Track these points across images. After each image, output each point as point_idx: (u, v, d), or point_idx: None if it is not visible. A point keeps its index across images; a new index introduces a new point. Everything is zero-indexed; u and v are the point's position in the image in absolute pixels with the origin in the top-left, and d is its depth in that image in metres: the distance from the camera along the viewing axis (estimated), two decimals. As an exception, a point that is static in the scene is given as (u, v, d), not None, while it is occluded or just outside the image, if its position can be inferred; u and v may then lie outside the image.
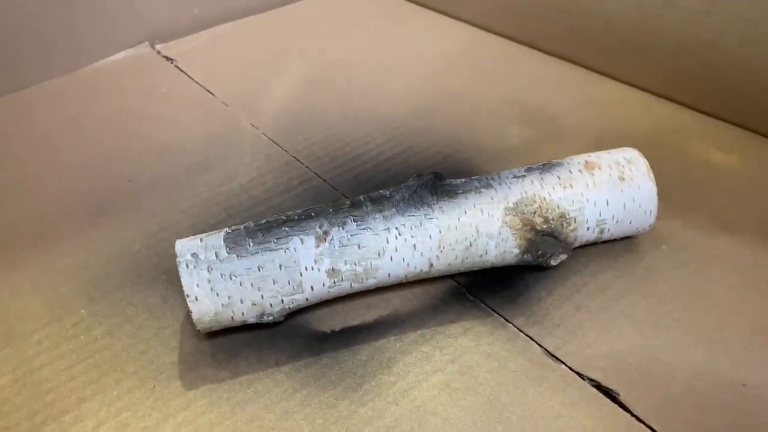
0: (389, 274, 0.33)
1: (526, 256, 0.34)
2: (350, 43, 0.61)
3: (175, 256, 0.32)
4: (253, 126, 0.50)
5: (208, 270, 0.31)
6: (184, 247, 0.32)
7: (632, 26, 0.48)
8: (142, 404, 0.31)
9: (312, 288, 0.32)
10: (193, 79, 0.56)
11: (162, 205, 0.43)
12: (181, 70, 0.58)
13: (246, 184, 0.44)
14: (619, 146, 0.37)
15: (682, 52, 0.46)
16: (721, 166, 0.42)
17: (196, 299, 0.31)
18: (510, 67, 0.55)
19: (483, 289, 0.35)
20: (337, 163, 0.46)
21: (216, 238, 0.32)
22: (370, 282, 0.33)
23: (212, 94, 0.54)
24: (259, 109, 0.52)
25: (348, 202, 0.33)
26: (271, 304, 0.32)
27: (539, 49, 0.57)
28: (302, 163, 0.46)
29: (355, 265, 0.32)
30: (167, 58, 0.60)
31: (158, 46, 0.63)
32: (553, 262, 0.34)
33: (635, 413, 0.29)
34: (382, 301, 0.35)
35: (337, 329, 0.34)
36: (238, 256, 0.31)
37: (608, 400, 0.29)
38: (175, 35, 0.64)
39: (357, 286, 0.33)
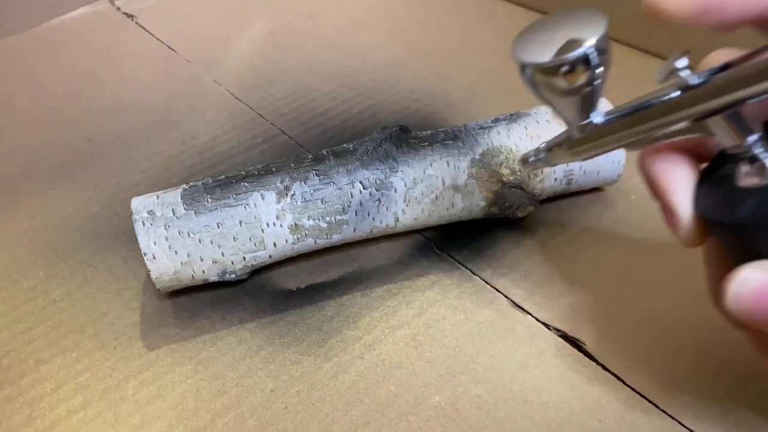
0: (354, 229, 0.32)
1: (493, 208, 0.33)
2: (317, -3, 0.59)
3: (132, 214, 0.31)
4: (216, 83, 0.49)
5: (165, 227, 0.30)
6: (140, 204, 0.31)
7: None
8: (102, 365, 0.30)
9: (275, 244, 0.31)
10: (154, 36, 0.54)
11: (122, 164, 0.42)
12: (142, 27, 0.56)
13: (209, 142, 0.43)
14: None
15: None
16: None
17: (154, 257, 0.30)
18: (481, 19, 0.54)
19: (450, 243, 0.35)
20: (303, 120, 0.44)
21: (173, 195, 0.31)
22: (335, 238, 0.32)
23: (174, 50, 0.53)
24: (222, 66, 0.50)
25: (310, 156, 0.32)
26: (232, 262, 0.31)
27: (511, 1, 0.56)
28: (267, 120, 0.44)
29: (319, 220, 0.31)
30: (128, 15, 0.58)
31: (118, 2, 0.60)
32: (520, 214, 0.34)
33: (601, 362, 0.29)
34: (348, 258, 0.34)
35: (302, 286, 0.33)
36: (195, 213, 0.30)
37: (574, 350, 0.29)
38: (135, -9, 0.62)
39: (321, 242, 0.32)
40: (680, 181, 0.22)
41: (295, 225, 0.31)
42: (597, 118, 0.23)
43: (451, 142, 0.33)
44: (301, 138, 0.43)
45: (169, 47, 0.53)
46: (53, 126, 0.45)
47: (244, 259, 0.31)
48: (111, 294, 0.34)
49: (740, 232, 0.20)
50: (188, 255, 0.30)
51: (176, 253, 0.30)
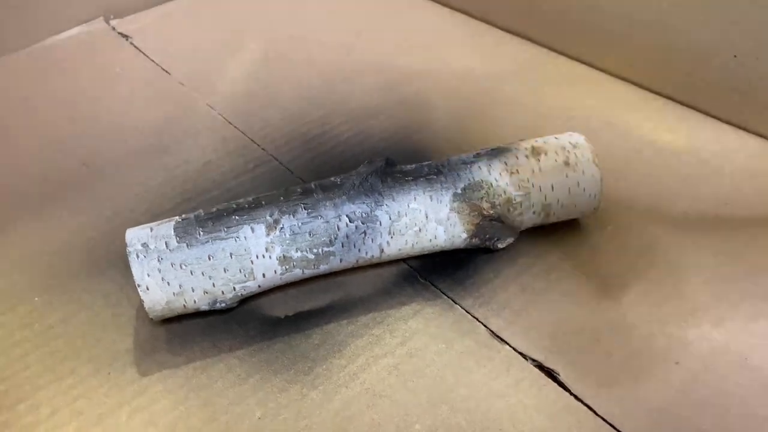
0: (341, 260, 0.33)
1: (474, 240, 0.35)
2: (309, 19, 0.61)
3: (126, 245, 0.32)
4: (209, 107, 0.50)
5: (158, 260, 0.31)
6: (134, 236, 0.32)
7: (587, 4, 0.49)
8: (97, 391, 0.31)
9: (264, 275, 0.33)
10: (149, 57, 0.56)
11: (117, 189, 0.43)
12: (137, 48, 0.57)
13: (202, 168, 0.44)
14: (571, 125, 0.37)
15: (634, 32, 0.47)
16: (669, 147, 0.43)
17: (147, 289, 0.31)
18: (468, 44, 0.55)
19: (434, 272, 0.36)
20: (293, 146, 0.46)
21: (166, 228, 0.32)
22: (322, 268, 0.34)
23: (168, 73, 0.54)
24: (215, 90, 0.52)
25: (299, 190, 0.34)
26: (222, 292, 0.32)
27: (498, 27, 0.57)
28: (258, 146, 0.46)
29: (307, 252, 0.33)
30: (122, 35, 0.59)
31: (113, 22, 0.61)
32: (500, 245, 0.35)
33: (573, 392, 0.30)
34: (335, 286, 0.36)
35: (290, 314, 0.35)
36: (188, 245, 0.31)
37: (549, 380, 0.31)
38: (130, 10, 0.63)
39: (309, 273, 0.34)
40: None
41: (284, 257, 0.32)
42: None
43: (435, 176, 0.34)
44: (292, 164, 0.44)
45: (164, 69, 0.54)
46: (49, 149, 0.46)
47: (234, 289, 0.32)
48: (106, 320, 0.35)
49: None
50: (180, 286, 0.31)
51: (169, 284, 0.31)
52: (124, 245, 0.32)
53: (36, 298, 0.36)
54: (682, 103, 0.47)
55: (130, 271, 0.31)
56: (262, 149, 0.45)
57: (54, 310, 0.35)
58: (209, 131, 0.47)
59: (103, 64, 0.55)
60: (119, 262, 0.38)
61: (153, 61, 0.55)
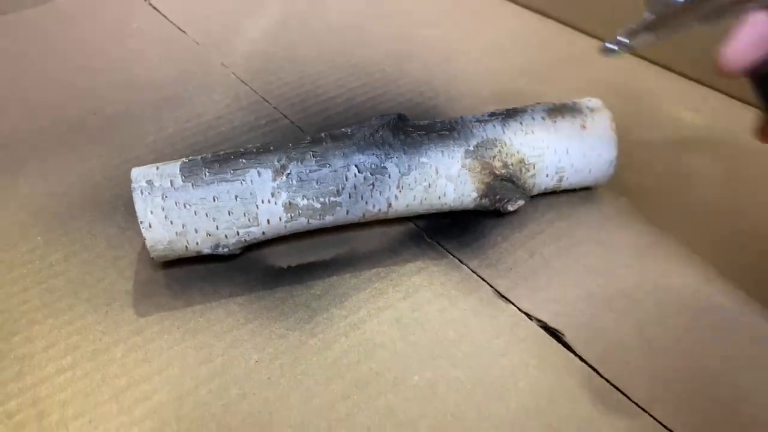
0: (347, 212, 0.33)
1: (483, 200, 0.34)
2: (329, -12, 0.60)
3: (131, 184, 0.32)
4: (223, 65, 0.49)
5: (162, 197, 0.31)
6: (139, 174, 0.32)
7: (611, -19, 0.48)
8: (93, 328, 0.31)
9: (268, 221, 0.32)
10: (166, 17, 0.55)
11: (126, 138, 0.42)
12: (155, 8, 0.57)
13: (212, 122, 0.44)
14: (592, 97, 0.37)
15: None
16: (688, 124, 0.42)
17: (150, 226, 0.31)
18: (489, 18, 0.55)
19: (441, 233, 0.35)
20: (306, 105, 0.45)
21: (172, 167, 0.32)
22: (328, 219, 0.33)
23: (184, 32, 0.53)
24: (231, 49, 0.51)
25: (308, 138, 0.33)
26: (226, 236, 0.32)
27: (517, 3, 0.56)
28: (270, 104, 0.45)
29: (313, 200, 0.32)
30: (141, -5, 0.59)
31: (133, -18, 0.61)
32: (510, 208, 0.35)
33: (578, 353, 0.29)
34: (341, 240, 0.35)
35: (293, 265, 0.34)
36: (193, 185, 0.31)
37: (554, 341, 0.30)
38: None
39: (315, 223, 0.33)
40: (756, 28, 0.24)
41: (290, 203, 0.32)
42: None
43: (447, 132, 0.33)
44: (303, 122, 0.43)
45: (180, 29, 0.54)
46: (62, 97, 0.46)
47: (238, 233, 0.32)
48: (107, 261, 0.34)
49: None
50: (183, 226, 0.31)
51: (172, 223, 0.31)
52: (130, 191, 0.31)
53: (39, 238, 0.36)
54: (702, 83, 0.46)
55: (134, 216, 0.31)
56: (274, 107, 0.45)
57: (55, 250, 0.35)
58: (223, 88, 0.47)
59: (121, 20, 0.55)
60: (123, 207, 0.37)
61: (170, 20, 0.55)
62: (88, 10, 0.57)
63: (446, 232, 0.35)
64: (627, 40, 0.29)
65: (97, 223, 0.37)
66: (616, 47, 0.29)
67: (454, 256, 0.34)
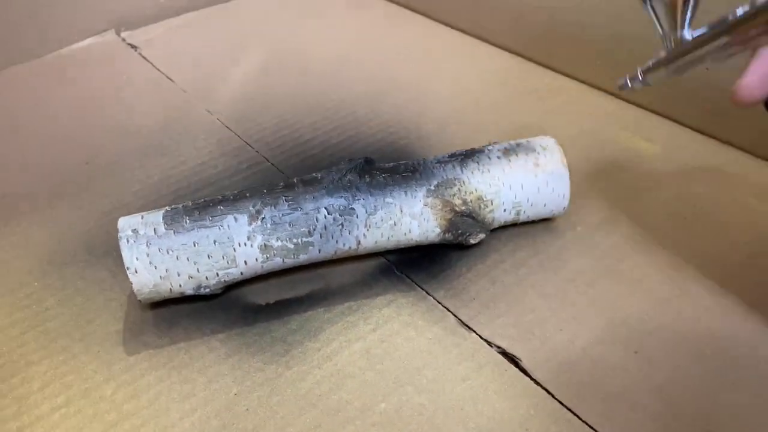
0: (319, 251, 0.35)
1: (447, 235, 0.37)
2: (308, 32, 0.63)
3: (119, 232, 0.35)
4: (208, 111, 0.52)
5: (146, 245, 0.33)
6: (126, 223, 0.34)
7: (572, 19, 0.51)
8: (86, 367, 0.33)
9: (245, 263, 0.35)
10: (155, 66, 0.58)
11: (116, 186, 0.45)
12: (144, 58, 0.60)
13: (196, 167, 0.47)
14: (548, 132, 0.39)
15: (616, 45, 0.49)
16: (644, 155, 0.45)
17: (136, 271, 0.33)
18: (458, 58, 0.58)
19: (410, 266, 0.38)
20: (285, 148, 0.48)
21: (155, 216, 0.34)
22: (302, 258, 0.35)
23: (172, 80, 0.57)
24: (215, 96, 0.54)
25: (282, 184, 0.36)
26: (207, 277, 0.34)
27: (487, 41, 0.60)
28: (252, 148, 0.48)
29: (287, 241, 0.35)
30: (131, 46, 0.62)
31: (124, 34, 0.64)
32: (472, 241, 0.37)
33: (534, 377, 0.32)
34: (315, 277, 0.38)
35: (271, 302, 0.37)
36: (175, 232, 0.34)
37: (512, 366, 0.32)
38: (140, 23, 0.66)
39: (289, 262, 0.35)
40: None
41: (265, 245, 0.34)
42: (688, 33, 0.29)
43: (410, 174, 0.36)
44: (283, 165, 0.46)
45: (168, 77, 0.57)
46: (56, 149, 0.49)
47: (218, 275, 0.34)
48: (99, 304, 0.37)
49: None
50: (167, 270, 0.34)
51: (156, 268, 0.33)
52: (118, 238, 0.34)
53: (35, 283, 0.38)
54: (658, 114, 0.49)
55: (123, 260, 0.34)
56: (256, 151, 0.48)
57: (51, 294, 0.38)
58: (206, 134, 0.50)
59: (112, 72, 0.58)
60: (113, 252, 0.40)
61: (158, 69, 0.58)
62: (81, 62, 0.60)
63: (415, 264, 0.38)
64: (642, 77, 0.32)
65: (90, 268, 0.39)
66: (631, 84, 0.33)
67: (421, 288, 0.37)
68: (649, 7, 0.30)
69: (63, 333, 0.35)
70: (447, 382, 0.32)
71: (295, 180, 0.36)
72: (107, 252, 0.40)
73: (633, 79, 0.33)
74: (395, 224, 0.36)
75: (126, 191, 0.45)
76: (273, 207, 0.35)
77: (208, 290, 0.35)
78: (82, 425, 0.31)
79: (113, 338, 0.35)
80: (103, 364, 0.34)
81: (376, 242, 0.36)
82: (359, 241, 0.36)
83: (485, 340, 0.34)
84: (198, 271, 0.34)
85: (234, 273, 0.35)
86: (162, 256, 0.33)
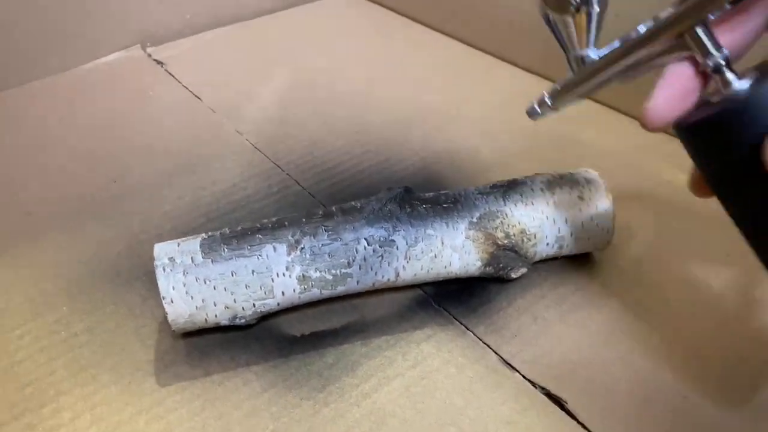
0: (357, 282, 0.35)
1: (488, 268, 0.36)
2: (336, 52, 0.63)
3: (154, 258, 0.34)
4: (237, 132, 0.52)
5: (183, 274, 0.32)
6: (162, 250, 0.33)
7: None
8: (117, 399, 0.33)
9: (283, 293, 0.34)
10: (181, 83, 0.58)
11: (145, 207, 0.45)
12: (170, 74, 0.60)
13: (227, 189, 0.46)
14: (588, 163, 0.38)
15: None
16: (675, 184, 0.44)
17: (172, 301, 0.32)
18: (487, 81, 0.57)
19: (448, 299, 0.37)
20: (316, 172, 0.47)
21: (192, 244, 0.34)
22: (339, 289, 0.35)
23: (199, 99, 0.56)
24: (244, 116, 0.54)
25: (320, 212, 0.35)
26: (243, 308, 0.33)
27: (516, 65, 0.59)
28: (282, 170, 0.47)
29: (325, 272, 0.34)
30: (157, 62, 0.62)
31: (149, 49, 0.64)
32: (513, 275, 0.36)
33: (580, 420, 0.31)
34: (351, 308, 0.37)
35: (306, 333, 0.36)
36: (212, 261, 0.33)
37: (557, 407, 0.31)
38: (166, 39, 0.66)
39: (326, 293, 0.35)
40: (678, 80, 0.25)
41: (303, 276, 0.34)
42: (593, 53, 0.27)
43: (452, 205, 0.35)
44: (313, 189, 0.46)
45: (195, 95, 0.56)
46: (82, 166, 0.49)
47: (254, 305, 0.34)
48: (129, 331, 0.36)
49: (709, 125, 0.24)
50: (203, 300, 0.33)
51: (192, 298, 0.33)
52: (150, 260, 0.33)
53: (64, 308, 0.37)
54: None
55: (155, 285, 0.33)
56: (286, 174, 0.47)
57: (80, 320, 0.37)
58: (236, 155, 0.49)
59: (138, 88, 0.58)
60: (144, 276, 0.39)
61: (185, 86, 0.58)
62: (106, 77, 0.59)
63: (453, 297, 0.37)
64: (550, 102, 0.30)
65: (119, 292, 0.38)
66: (540, 110, 0.31)
67: (460, 323, 0.36)
68: (551, 25, 0.28)
69: (93, 362, 0.34)
70: (490, 423, 0.31)
71: (334, 209, 0.35)
72: (137, 276, 0.39)
73: (541, 104, 0.31)
74: (435, 256, 0.35)
75: (156, 212, 0.44)
76: (312, 237, 0.34)
77: (243, 320, 0.34)
78: (115, 461, 0.30)
79: (144, 368, 0.34)
80: (134, 395, 0.33)
81: (415, 275, 0.35)
82: (398, 273, 0.35)
83: (529, 380, 0.33)
84: (235, 301, 0.33)
85: (271, 303, 0.34)
86: (199, 286, 0.32)
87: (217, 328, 0.35)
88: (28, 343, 0.35)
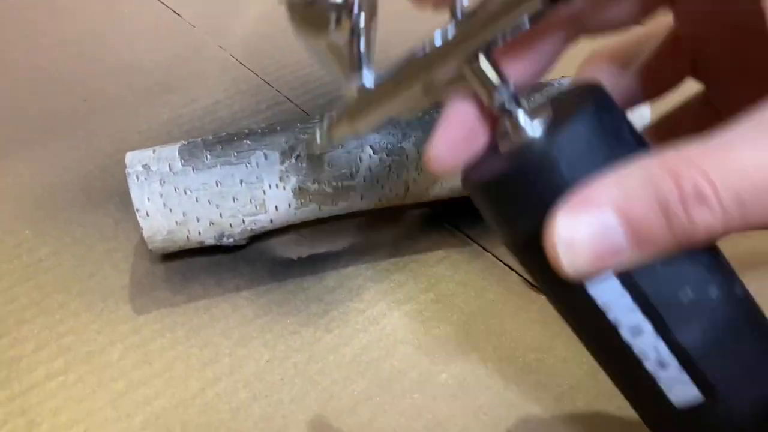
0: (361, 197, 0.30)
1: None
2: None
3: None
4: (221, 48, 0.47)
5: (160, 183, 0.28)
6: (135, 158, 0.29)
7: None
8: (87, 328, 0.28)
9: (276, 208, 0.29)
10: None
11: (119, 126, 0.40)
12: (146, -10, 0.54)
13: (210, 106, 0.41)
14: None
15: None
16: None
17: (147, 214, 0.28)
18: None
19: (462, 218, 0.33)
20: (309, 87, 0.42)
21: (170, 150, 0.29)
22: (341, 205, 0.30)
23: (178, 14, 0.51)
24: (228, 31, 0.48)
25: (317, 117, 0.30)
26: (231, 224, 0.29)
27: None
28: (272, 86, 0.43)
29: (325, 185, 0.29)
30: (131, -23, 0.56)
31: (122, -35, 0.58)
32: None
33: (619, 345, 0.27)
34: (354, 227, 0.33)
35: (303, 256, 0.32)
36: (193, 169, 0.28)
37: (590, 332, 0.28)
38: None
39: (326, 210, 0.30)
40: (461, 120, 0.19)
41: (299, 188, 0.29)
42: (368, 80, 0.20)
43: (468, 109, 0.31)
44: (307, 105, 0.41)
45: (173, 11, 0.51)
46: (50, 85, 0.43)
47: (244, 222, 0.29)
48: (100, 254, 0.32)
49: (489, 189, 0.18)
50: (184, 214, 0.28)
51: (171, 211, 0.28)
52: (124, 181, 0.28)
53: (26, 231, 0.33)
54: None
55: (129, 207, 0.28)
56: (276, 90, 0.42)
57: (44, 244, 0.32)
58: (219, 72, 0.44)
59: (110, 2, 0.52)
60: (116, 197, 0.35)
61: (162, 2, 0.52)
62: (74, -7, 0.54)
63: (467, 216, 0.33)
64: (323, 138, 0.23)
65: (89, 214, 0.34)
66: (320, 142, 0.23)
67: (477, 243, 0.32)
68: (311, 49, 0.20)
69: (60, 287, 0.30)
70: (518, 350, 0.27)
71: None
72: (109, 197, 0.35)
73: (321, 135, 0.23)
74: (451, 167, 0.30)
75: (130, 131, 0.39)
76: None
77: (231, 240, 0.30)
78: (84, 395, 0.26)
79: (118, 294, 0.30)
80: (108, 323, 0.29)
81: (427, 189, 0.31)
82: (408, 187, 0.31)
83: (558, 303, 0.29)
84: (221, 216, 0.29)
85: (263, 220, 0.30)
86: (179, 197, 0.28)
87: (201, 251, 0.31)
88: (-15, 270, 0.31)
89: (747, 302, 0.17)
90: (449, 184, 0.31)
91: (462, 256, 0.31)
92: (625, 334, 0.17)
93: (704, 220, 0.15)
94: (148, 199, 0.28)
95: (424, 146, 0.20)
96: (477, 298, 0.29)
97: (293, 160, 0.29)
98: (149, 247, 0.29)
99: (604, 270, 0.16)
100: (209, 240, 0.29)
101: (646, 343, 0.17)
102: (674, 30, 0.21)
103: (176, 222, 0.28)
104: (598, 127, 0.17)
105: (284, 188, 0.29)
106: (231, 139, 0.29)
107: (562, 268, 0.16)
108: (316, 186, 0.29)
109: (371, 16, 0.19)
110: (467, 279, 0.30)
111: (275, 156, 0.29)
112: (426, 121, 0.30)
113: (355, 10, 0.19)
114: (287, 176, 0.29)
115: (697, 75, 0.22)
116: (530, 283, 0.30)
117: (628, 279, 0.16)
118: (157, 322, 0.29)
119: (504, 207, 0.18)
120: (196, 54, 0.46)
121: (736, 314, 0.17)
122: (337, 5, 0.18)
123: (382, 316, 0.28)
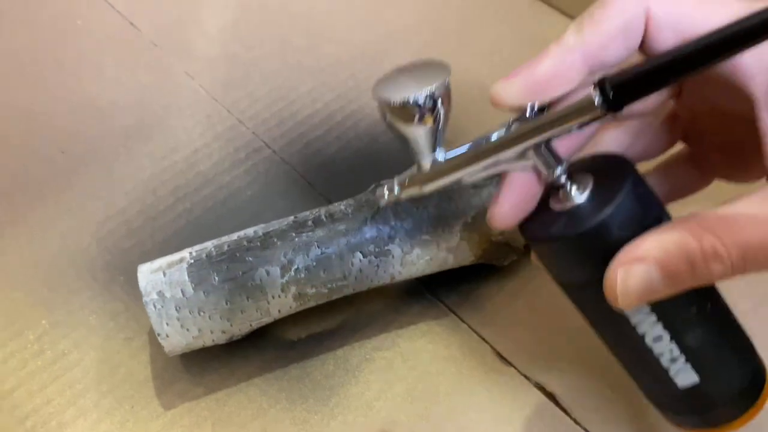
0: (353, 290, 0.34)
1: (480, 260, 0.36)
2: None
3: (129, 252, 0.36)
4: (188, 75, 0.47)
5: (176, 309, 0.31)
6: (148, 283, 0.32)
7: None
8: (124, 427, 0.33)
9: (279, 311, 0.33)
10: (113, 8, 0.50)
11: (103, 183, 0.41)
12: (96, -9, 0.52)
13: (190, 157, 0.42)
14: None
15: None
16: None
17: (167, 336, 0.31)
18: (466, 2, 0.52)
19: (440, 285, 0.37)
20: (285, 128, 0.44)
21: (179, 272, 0.32)
22: (335, 297, 0.34)
23: (137, 28, 0.49)
24: (192, 52, 0.48)
25: (310, 223, 0.33)
26: (239, 330, 0.33)
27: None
28: (248, 128, 0.44)
29: (321, 287, 0.33)
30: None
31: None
32: (504, 263, 0.36)
33: (574, 416, 0.33)
34: (344, 303, 0.36)
35: (302, 336, 0.36)
36: (205, 293, 0.31)
37: (551, 403, 0.33)
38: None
39: (322, 302, 0.34)
40: (522, 186, 0.25)
41: (299, 294, 0.33)
42: (440, 155, 0.26)
43: (446, 204, 0.34)
44: (286, 152, 0.43)
45: (132, 23, 0.49)
46: (19, 131, 0.43)
47: (251, 326, 0.33)
48: (118, 344, 0.35)
49: (553, 245, 0.25)
50: (199, 330, 0.32)
51: (188, 330, 0.32)
52: (122, 255, 0.33)
53: (43, 321, 0.36)
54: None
55: (135, 288, 0.32)
56: (252, 132, 0.44)
57: (63, 335, 0.35)
58: (192, 107, 0.45)
59: (62, 14, 0.50)
60: (120, 278, 0.37)
61: (118, 12, 0.50)
62: (19, 4, 0.51)
63: (445, 285, 0.37)
64: (396, 192, 0.28)
65: (98, 298, 0.37)
66: (387, 196, 0.28)
67: (455, 314, 0.36)
68: (395, 131, 0.25)
69: (89, 385, 0.34)
70: (492, 422, 0.33)
71: (322, 215, 0.34)
72: (113, 277, 0.37)
73: (390, 190, 0.28)
74: (431, 259, 0.34)
75: (117, 191, 0.41)
76: (305, 254, 0.32)
77: (239, 337, 0.34)
78: (137, 498, 0.31)
79: (144, 389, 0.34)
80: (140, 422, 0.33)
81: (410, 276, 0.35)
82: (393, 277, 0.34)
83: (524, 375, 0.34)
84: (231, 326, 0.32)
85: (267, 321, 0.33)
86: (193, 318, 0.31)
87: (212, 341, 0.34)
88: (15, 368, 0.34)
89: (728, 313, 0.26)
90: (429, 270, 0.35)
91: (441, 328, 0.36)
92: (649, 341, 0.24)
93: (718, 270, 0.21)
94: (167, 324, 0.31)
95: (488, 209, 0.26)
96: (457, 373, 0.34)
97: (292, 273, 0.32)
98: (168, 355, 0.33)
99: (645, 303, 0.23)
100: (221, 342, 0.33)
101: (664, 347, 0.24)
102: (673, 110, 0.27)
103: (193, 337, 0.32)
104: (636, 199, 0.23)
105: (286, 296, 0.33)
106: (233, 255, 0.32)
107: (617, 304, 0.22)
108: (313, 290, 0.33)
109: (447, 111, 0.25)
110: (447, 353, 0.35)
111: (276, 271, 0.32)
112: (408, 221, 0.33)
113: (438, 108, 0.24)
114: (288, 287, 0.32)
115: (687, 141, 0.28)
116: (501, 356, 0.35)
117: (655, 304, 0.23)
118: (184, 416, 0.33)
119: (564, 259, 0.25)
120: (164, 83, 0.46)
121: (721, 322, 0.25)
122: (424, 107, 0.24)
123: (377, 398, 0.33)
